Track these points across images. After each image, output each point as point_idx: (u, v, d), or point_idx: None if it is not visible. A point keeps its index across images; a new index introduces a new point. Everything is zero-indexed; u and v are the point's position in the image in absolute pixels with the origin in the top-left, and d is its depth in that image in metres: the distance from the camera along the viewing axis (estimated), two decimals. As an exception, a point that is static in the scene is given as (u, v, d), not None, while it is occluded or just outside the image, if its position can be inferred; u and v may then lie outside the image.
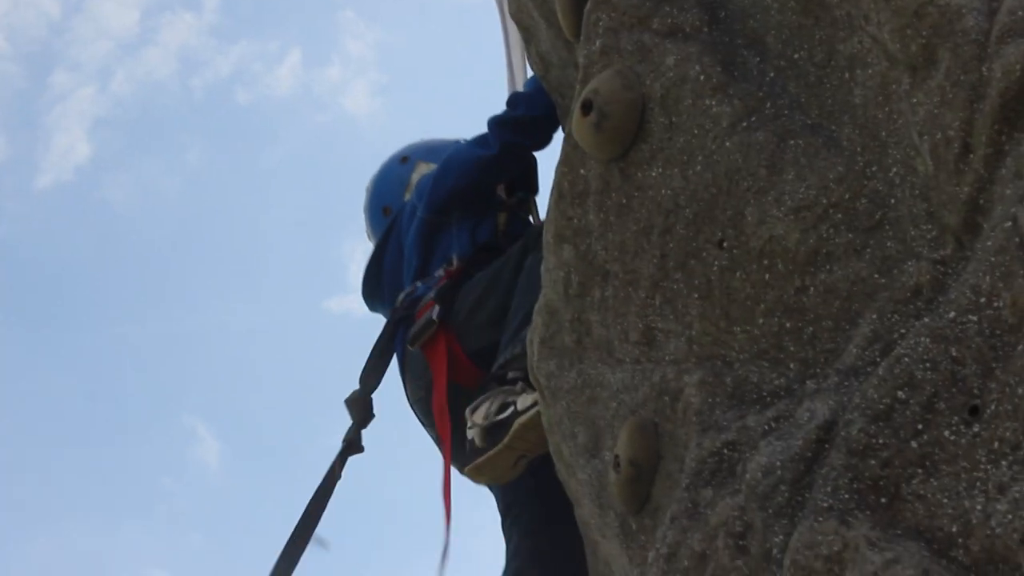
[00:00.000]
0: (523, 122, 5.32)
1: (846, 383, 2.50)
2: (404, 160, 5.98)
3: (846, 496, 2.33)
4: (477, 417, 4.58)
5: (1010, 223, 2.22)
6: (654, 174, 3.10)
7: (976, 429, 2.20)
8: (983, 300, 2.25)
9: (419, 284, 5.38)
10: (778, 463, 2.50)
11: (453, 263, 5.34)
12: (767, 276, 2.75)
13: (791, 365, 2.69)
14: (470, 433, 4.61)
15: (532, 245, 4.75)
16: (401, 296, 5.41)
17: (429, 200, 5.45)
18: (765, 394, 2.71)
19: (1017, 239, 2.20)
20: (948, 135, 2.37)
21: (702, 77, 3.01)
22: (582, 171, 3.34)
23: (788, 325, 2.71)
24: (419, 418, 5.37)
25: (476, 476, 4.67)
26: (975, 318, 2.26)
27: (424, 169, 5.85)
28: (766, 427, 2.62)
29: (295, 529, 4.83)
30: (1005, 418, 2.16)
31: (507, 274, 4.94)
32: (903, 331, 2.43)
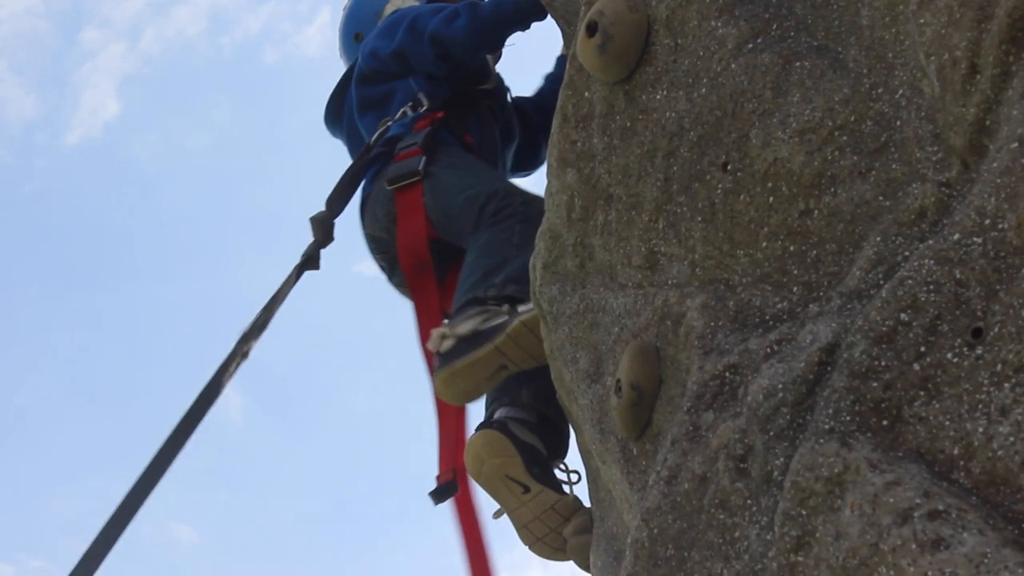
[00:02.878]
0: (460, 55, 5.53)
1: (849, 306, 2.49)
2: None
3: (847, 418, 2.32)
4: (460, 329, 4.57)
5: (1016, 144, 2.20)
6: (659, 97, 3.08)
7: (979, 351, 2.19)
8: (988, 222, 2.23)
9: (389, 122, 5.47)
10: (780, 385, 2.49)
11: (423, 102, 5.44)
12: (771, 199, 2.73)
13: (794, 288, 2.67)
14: (443, 343, 4.61)
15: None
16: (375, 135, 5.52)
17: (374, 67, 5.66)
18: (768, 317, 2.70)
19: (1023, 160, 2.18)
20: (955, 56, 2.34)
21: (708, -2, 2.99)
22: (586, 94, 3.32)
23: (792, 248, 2.69)
24: (373, 251, 5.50)
25: (448, 383, 4.66)
26: (979, 240, 2.24)
27: (398, 2, 5.97)
28: (768, 350, 2.61)
29: (248, 329, 4.88)
30: (1008, 340, 2.15)
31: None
32: (907, 254, 2.41)
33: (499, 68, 5.98)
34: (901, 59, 2.55)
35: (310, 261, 5.26)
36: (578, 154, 3.33)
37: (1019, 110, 2.23)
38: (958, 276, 2.25)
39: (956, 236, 2.28)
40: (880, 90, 2.60)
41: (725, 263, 2.84)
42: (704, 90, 2.94)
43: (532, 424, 4.82)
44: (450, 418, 5.06)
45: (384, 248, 5.39)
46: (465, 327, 4.57)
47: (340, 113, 6.00)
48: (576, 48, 3.31)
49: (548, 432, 4.86)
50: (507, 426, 4.77)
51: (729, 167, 2.84)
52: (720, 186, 2.85)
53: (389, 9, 6.05)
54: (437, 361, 4.65)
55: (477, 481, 4.77)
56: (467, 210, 5.00)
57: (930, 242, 2.34)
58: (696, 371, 2.76)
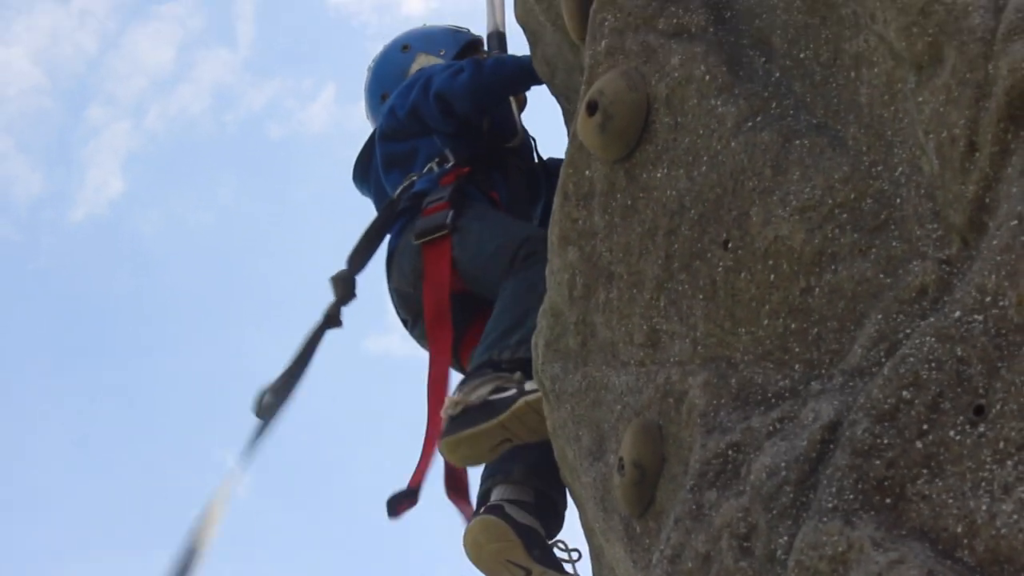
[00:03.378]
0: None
1: (851, 383, 2.49)
2: (405, 48, 6.17)
3: (851, 496, 2.32)
4: (471, 395, 4.57)
5: (1016, 221, 2.21)
6: (659, 175, 3.09)
7: (981, 429, 2.19)
8: (988, 299, 2.24)
9: (415, 177, 5.51)
10: (783, 464, 2.48)
11: (449, 158, 5.47)
12: (772, 277, 2.73)
13: (796, 366, 2.67)
14: (452, 408, 4.61)
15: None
16: (399, 189, 5.53)
17: (393, 125, 5.70)
18: (770, 395, 2.69)
19: (1023, 237, 2.19)
20: (954, 133, 2.36)
21: (707, 77, 3.00)
22: (587, 172, 3.33)
23: (793, 326, 2.69)
24: (397, 306, 5.48)
25: (452, 449, 4.66)
26: (980, 317, 2.24)
27: (423, 61, 6.04)
28: (771, 428, 2.61)
29: (276, 390, 4.96)
30: (1010, 418, 2.14)
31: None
32: (908, 331, 2.41)
33: (528, 123, 6.02)
34: (900, 137, 2.57)
35: (331, 320, 5.30)
36: (579, 232, 3.34)
37: (1018, 187, 2.24)
38: (960, 353, 2.25)
39: (957, 313, 2.28)
40: (880, 168, 2.61)
41: (727, 341, 2.84)
42: (704, 168, 2.95)
43: (529, 505, 4.81)
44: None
45: (408, 303, 5.39)
46: (476, 395, 4.57)
47: (368, 171, 6.03)
48: (576, 127, 3.33)
49: (545, 510, 4.84)
50: (504, 510, 4.75)
51: (730, 245, 2.84)
52: (721, 264, 2.86)
53: (415, 68, 6.10)
54: (445, 424, 4.66)
55: (477, 566, 4.76)
56: (499, 257, 5.01)
57: (931, 320, 2.34)
58: (699, 449, 2.75)
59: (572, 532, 4.85)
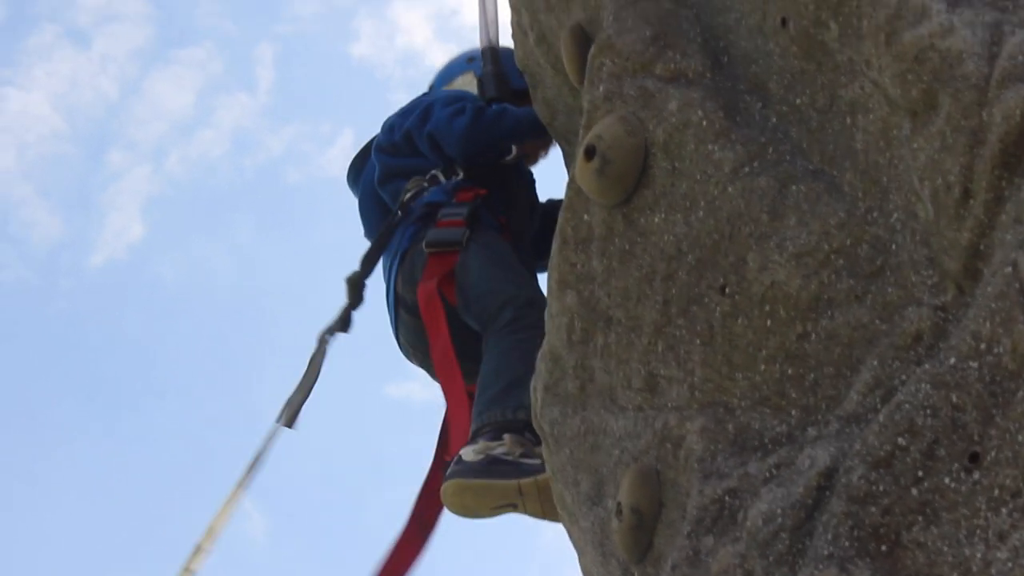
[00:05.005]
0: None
1: (847, 430, 2.49)
2: (470, 60, 6.21)
3: (847, 543, 2.32)
4: (496, 448, 4.55)
5: (1010, 268, 2.21)
6: (657, 220, 3.10)
7: (976, 476, 2.19)
8: (983, 346, 2.24)
9: (426, 185, 5.55)
10: (779, 510, 2.48)
11: (457, 171, 5.49)
12: (769, 322, 2.74)
13: (792, 412, 2.67)
14: (473, 454, 4.58)
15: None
16: (409, 194, 5.56)
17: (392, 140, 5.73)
18: (766, 441, 2.69)
19: (1017, 284, 2.19)
20: (948, 180, 2.36)
21: (704, 122, 3.01)
22: (585, 217, 3.34)
23: (790, 371, 2.69)
24: (394, 307, 5.51)
25: (457, 491, 4.62)
26: (975, 364, 2.24)
27: (468, 80, 6.11)
28: (767, 474, 2.61)
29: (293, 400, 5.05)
30: (1005, 465, 2.14)
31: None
32: (904, 377, 2.42)
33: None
34: (896, 183, 2.57)
35: (341, 323, 5.39)
36: (577, 276, 3.35)
37: (1012, 235, 2.24)
38: (955, 400, 2.25)
39: (952, 360, 2.29)
40: (875, 214, 2.62)
41: (724, 386, 2.84)
42: (702, 213, 2.96)
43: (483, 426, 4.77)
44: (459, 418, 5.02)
45: (409, 309, 5.42)
46: (501, 450, 4.55)
47: (360, 173, 6.07)
48: (575, 171, 3.34)
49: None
50: (461, 460, 4.71)
51: (727, 290, 2.85)
52: (718, 309, 2.86)
53: (458, 82, 6.13)
54: (457, 464, 4.63)
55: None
56: (484, 303, 5.04)
57: (927, 366, 2.34)
58: (696, 495, 2.75)
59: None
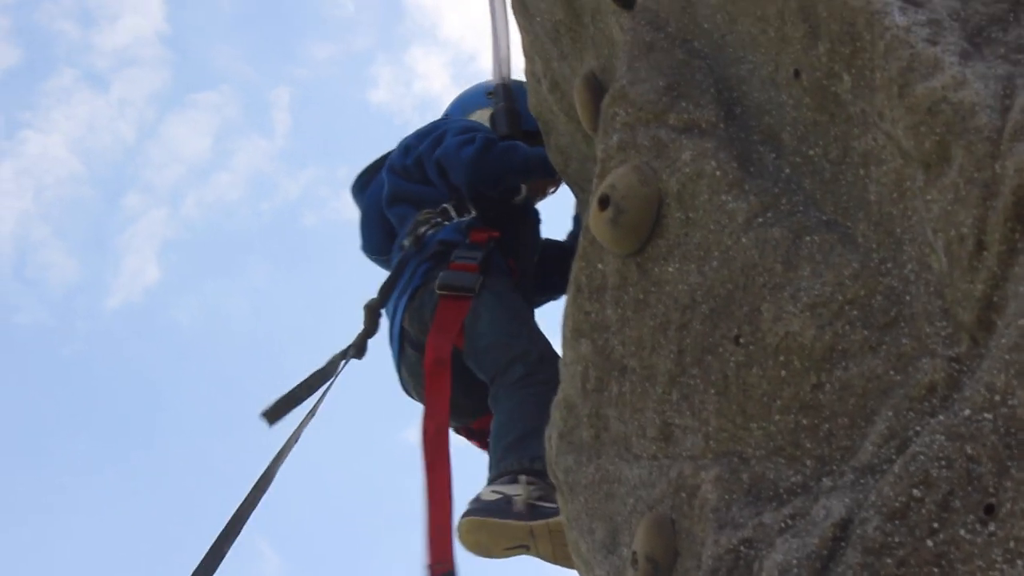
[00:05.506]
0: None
1: (862, 480, 2.49)
2: (489, 95, 6.24)
3: (862, 595, 2.32)
4: (510, 490, 4.57)
5: (1023, 320, 2.22)
6: (671, 269, 3.11)
7: (992, 528, 2.19)
8: (998, 398, 2.24)
9: (439, 220, 5.61)
10: (794, 561, 2.48)
11: (469, 209, 5.58)
12: (783, 372, 2.74)
13: (807, 462, 2.68)
14: (490, 492, 4.61)
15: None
16: (424, 228, 5.60)
17: (404, 164, 5.84)
18: (781, 491, 2.70)
19: (1031, 337, 2.20)
20: (962, 232, 2.37)
21: (718, 173, 3.03)
22: (599, 266, 3.35)
23: (804, 422, 2.70)
24: (398, 340, 5.54)
25: (472, 530, 4.64)
26: (990, 416, 2.25)
27: (484, 115, 6.12)
28: (782, 524, 2.61)
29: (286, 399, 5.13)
30: (1021, 517, 2.15)
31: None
32: (918, 428, 2.42)
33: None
34: (909, 234, 2.58)
35: (356, 349, 5.48)
36: (592, 325, 3.36)
37: (1026, 287, 2.25)
38: (969, 452, 2.26)
39: (967, 412, 2.29)
40: (889, 265, 2.62)
41: (739, 436, 2.84)
42: (715, 263, 2.97)
43: (500, 473, 4.78)
44: (439, 503, 4.97)
45: (414, 345, 5.44)
46: (517, 491, 4.58)
47: (366, 187, 6.10)
48: (589, 220, 3.35)
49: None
50: (479, 499, 4.76)
51: (741, 340, 2.85)
52: (733, 359, 2.87)
53: (475, 115, 6.16)
54: (474, 503, 4.66)
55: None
56: (494, 356, 5.08)
57: (941, 418, 2.34)
58: (711, 545, 2.75)
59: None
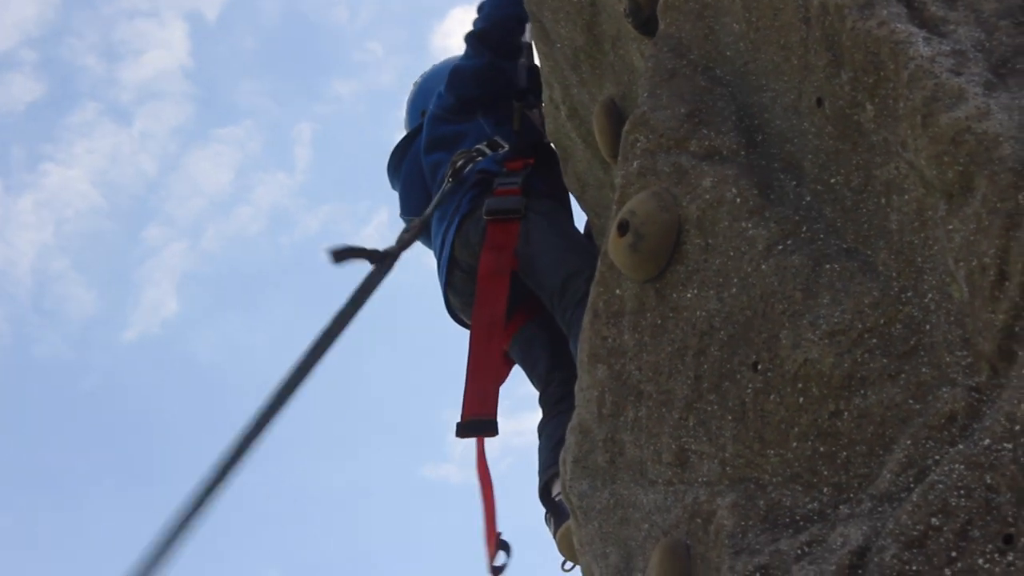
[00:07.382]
0: (487, 32, 5.96)
1: (880, 508, 2.49)
2: None
3: (879, 623, 2.31)
4: None
5: (1045, 351, 2.22)
6: (690, 295, 3.11)
7: (1010, 558, 2.19)
8: (1018, 428, 2.24)
9: (475, 155, 5.76)
10: (810, 588, 2.48)
11: (500, 144, 5.76)
12: (801, 400, 2.75)
13: (824, 489, 2.68)
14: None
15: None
16: (460, 162, 5.71)
17: (443, 104, 6.05)
18: (798, 518, 2.69)
19: (1052, 367, 2.20)
20: (984, 262, 2.37)
21: (738, 200, 3.03)
22: (618, 291, 3.36)
23: (822, 449, 2.70)
24: (448, 270, 5.62)
25: (566, 536, 4.85)
26: (1010, 445, 2.25)
27: None
28: (799, 551, 2.60)
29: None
30: (1040, 547, 2.15)
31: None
32: (937, 457, 2.42)
33: None
34: (930, 263, 2.58)
35: (388, 256, 5.17)
36: (609, 350, 3.36)
37: (1048, 317, 2.25)
38: (989, 481, 2.26)
39: (986, 441, 2.29)
40: (909, 293, 2.63)
41: (755, 462, 2.84)
42: (735, 290, 2.97)
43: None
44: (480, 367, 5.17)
45: (465, 271, 5.54)
46: None
47: (401, 162, 6.24)
48: (607, 246, 3.35)
49: None
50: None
51: (759, 367, 2.86)
52: (751, 386, 2.87)
53: None
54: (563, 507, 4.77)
55: None
56: (552, 272, 5.21)
57: (960, 447, 2.34)
58: (727, 571, 2.75)
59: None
